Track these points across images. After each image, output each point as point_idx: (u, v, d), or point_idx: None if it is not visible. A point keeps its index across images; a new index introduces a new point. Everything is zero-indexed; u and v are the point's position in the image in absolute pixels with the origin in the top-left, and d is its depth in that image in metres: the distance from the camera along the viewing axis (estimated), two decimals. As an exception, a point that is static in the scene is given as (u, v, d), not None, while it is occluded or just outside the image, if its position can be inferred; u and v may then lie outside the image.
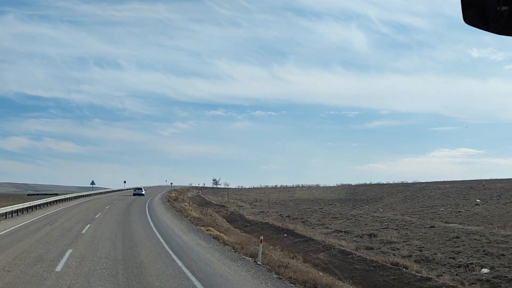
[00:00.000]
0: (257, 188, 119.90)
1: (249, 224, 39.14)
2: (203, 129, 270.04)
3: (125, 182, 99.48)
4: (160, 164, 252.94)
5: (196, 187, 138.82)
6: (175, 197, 63.11)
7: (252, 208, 57.08)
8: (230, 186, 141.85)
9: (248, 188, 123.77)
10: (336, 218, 39.95)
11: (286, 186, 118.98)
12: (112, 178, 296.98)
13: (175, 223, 22.42)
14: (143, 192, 67.60)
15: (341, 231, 30.30)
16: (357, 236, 28.26)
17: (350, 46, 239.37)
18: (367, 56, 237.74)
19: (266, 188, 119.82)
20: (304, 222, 38.20)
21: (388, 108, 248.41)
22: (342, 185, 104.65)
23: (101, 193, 71.84)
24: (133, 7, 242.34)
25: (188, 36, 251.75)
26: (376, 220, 35.64)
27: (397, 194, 68.06)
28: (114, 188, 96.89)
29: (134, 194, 65.02)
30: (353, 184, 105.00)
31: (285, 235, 30.31)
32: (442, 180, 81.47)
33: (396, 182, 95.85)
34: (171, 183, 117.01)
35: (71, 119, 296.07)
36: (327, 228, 33.23)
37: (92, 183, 62.19)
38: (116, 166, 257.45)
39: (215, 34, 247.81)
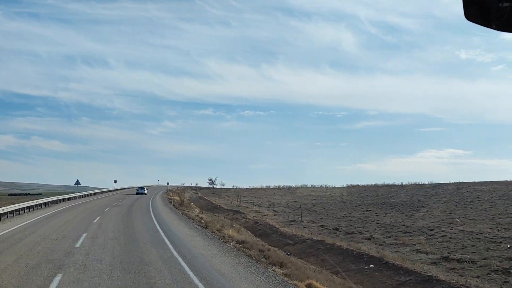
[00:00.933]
0: (260, 189, 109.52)
1: (291, 242, 28.65)
2: (192, 128, 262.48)
3: (115, 181, 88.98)
4: (149, 163, 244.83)
5: (191, 187, 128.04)
6: (180, 201, 52.38)
7: (275, 214, 46.53)
8: (225, 186, 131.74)
9: (248, 188, 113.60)
10: (408, 232, 29.59)
11: (290, 186, 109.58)
12: (101, 177, 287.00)
13: (230, 265, 11.77)
14: (146, 192, 71.19)
15: (460, 260, 19.82)
16: (499, 271, 17.90)
17: (339, 47, 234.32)
18: (356, 57, 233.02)
19: (268, 188, 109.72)
20: (369, 239, 27.77)
21: (377, 109, 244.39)
22: (351, 186, 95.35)
23: (88, 194, 60.76)
24: (122, 5, 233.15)
25: (178, 35, 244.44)
26: (478, 239, 25.32)
27: (436, 198, 57.96)
28: (105, 188, 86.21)
29: (137, 193, 68.42)
30: (360, 185, 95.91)
31: (371, 266, 19.77)
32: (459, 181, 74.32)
33: (410, 183, 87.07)
34: (168, 183, 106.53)
35: (59, 117, 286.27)
36: (419, 252, 22.81)
37: (77, 183, 50.98)
38: (105, 165, 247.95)
39: (205, 33, 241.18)
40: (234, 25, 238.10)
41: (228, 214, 46.46)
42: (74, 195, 51.68)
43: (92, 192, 65.05)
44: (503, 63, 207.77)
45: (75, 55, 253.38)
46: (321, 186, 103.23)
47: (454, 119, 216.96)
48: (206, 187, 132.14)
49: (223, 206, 54.77)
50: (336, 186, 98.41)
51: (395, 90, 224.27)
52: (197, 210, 37.84)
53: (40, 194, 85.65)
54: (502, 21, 2.04)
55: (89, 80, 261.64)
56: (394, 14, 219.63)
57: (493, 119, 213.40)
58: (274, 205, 54.40)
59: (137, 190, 71.84)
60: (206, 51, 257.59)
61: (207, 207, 53.81)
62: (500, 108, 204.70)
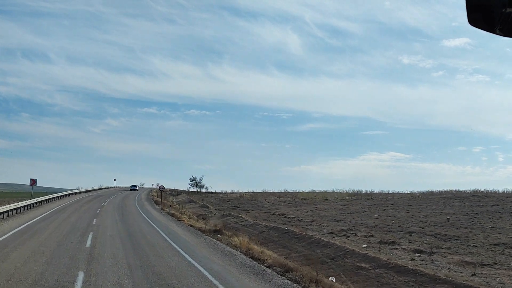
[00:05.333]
0: (260, 194, 77.76)
1: None
2: (136, 126, 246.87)
3: (33, 181, 49.81)
4: (90, 162, 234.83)
5: (164, 191, 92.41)
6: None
7: None
8: (210, 190, 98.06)
9: (235, 192, 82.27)
10: None
11: (295, 192, 79.96)
12: (40, 176, 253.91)
13: None
14: (137, 188, 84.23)
15: None
16: None
17: (285, 48, 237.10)
18: (301, 59, 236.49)
19: (261, 192, 79.02)
20: None
21: (321, 111, 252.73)
22: (354, 193, 72.88)
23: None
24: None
25: (122, 30, 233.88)
26: None
27: None
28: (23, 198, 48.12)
29: (131, 189, 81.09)
30: (363, 192, 74.66)
31: None
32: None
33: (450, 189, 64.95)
34: (158, 185, 74.01)
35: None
36: None
37: None
38: (45, 163, 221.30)
39: (150, 30, 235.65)
40: (180, 23, 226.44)
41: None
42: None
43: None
44: (443, 69, 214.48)
45: (14, 48, 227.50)
46: (316, 191, 78.50)
47: (396, 123, 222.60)
48: (187, 191, 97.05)
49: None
50: (340, 192, 75.55)
51: (339, 93, 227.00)
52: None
53: None
54: (506, 27, 2.04)
55: (29, 75, 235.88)
56: (339, 18, 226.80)
57: (433, 123, 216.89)
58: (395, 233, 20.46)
59: (131, 187, 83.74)
60: (151, 48, 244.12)
61: None
62: (439, 113, 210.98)
